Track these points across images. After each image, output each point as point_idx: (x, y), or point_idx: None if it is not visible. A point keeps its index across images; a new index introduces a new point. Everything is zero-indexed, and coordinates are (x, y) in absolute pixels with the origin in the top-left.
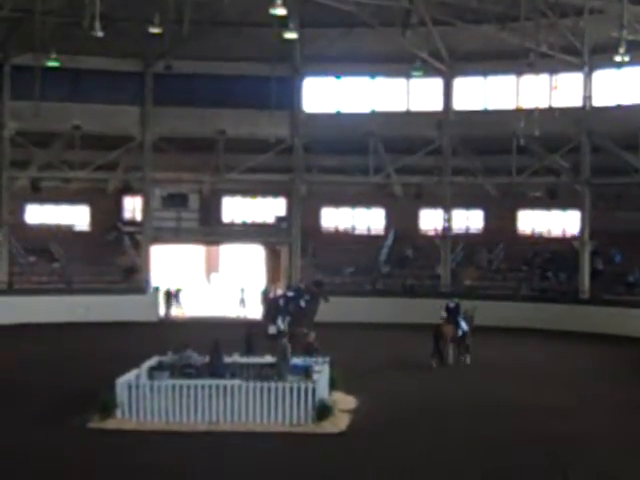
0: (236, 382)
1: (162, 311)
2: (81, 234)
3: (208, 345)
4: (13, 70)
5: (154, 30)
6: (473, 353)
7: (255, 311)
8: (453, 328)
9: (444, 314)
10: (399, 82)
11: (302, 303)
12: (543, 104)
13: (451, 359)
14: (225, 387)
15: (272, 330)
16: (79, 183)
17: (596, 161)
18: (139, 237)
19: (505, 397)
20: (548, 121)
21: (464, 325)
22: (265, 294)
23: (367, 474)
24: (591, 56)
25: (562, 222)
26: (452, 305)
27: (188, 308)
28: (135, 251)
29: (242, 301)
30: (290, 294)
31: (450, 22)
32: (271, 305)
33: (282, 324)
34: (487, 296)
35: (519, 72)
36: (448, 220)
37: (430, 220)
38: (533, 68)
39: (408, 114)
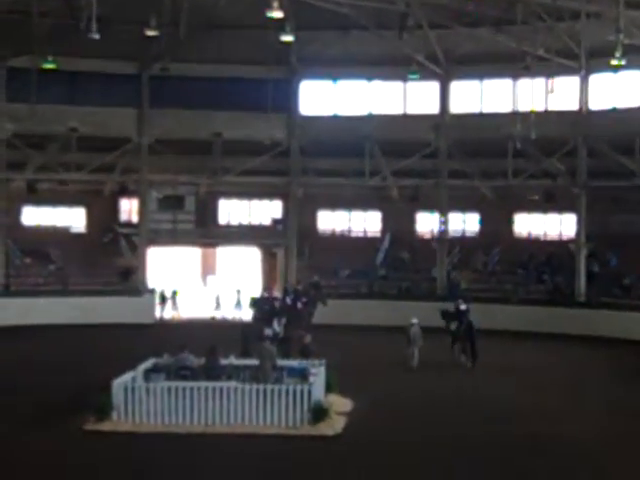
0: (232, 384)
1: (158, 313)
2: (77, 236)
3: (204, 347)
4: (9, 72)
5: (151, 33)
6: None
7: (246, 315)
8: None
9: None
10: (396, 85)
11: (299, 305)
12: (539, 107)
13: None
14: (221, 389)
15: (268, 332)
16: (75, 185)
17: (592, 164)
18: (135, 239)
19: (502, 399)
20: (544, 124)
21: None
22: (255, 301)
23: (363, 476)
24: (588, 60)
25: (558, 225)
26: (463, 307)
27: (184, 310)
28: (131, 253)
29: (238, 303)
30: (288, 298)
31: (447, 25)
32: (267, 307)
33: (278, 326)
34: (483, 299)
35: (515, 75)
36: (444, 223)
37: (426, 223)
38: (529, 71)
39: (405, 117)
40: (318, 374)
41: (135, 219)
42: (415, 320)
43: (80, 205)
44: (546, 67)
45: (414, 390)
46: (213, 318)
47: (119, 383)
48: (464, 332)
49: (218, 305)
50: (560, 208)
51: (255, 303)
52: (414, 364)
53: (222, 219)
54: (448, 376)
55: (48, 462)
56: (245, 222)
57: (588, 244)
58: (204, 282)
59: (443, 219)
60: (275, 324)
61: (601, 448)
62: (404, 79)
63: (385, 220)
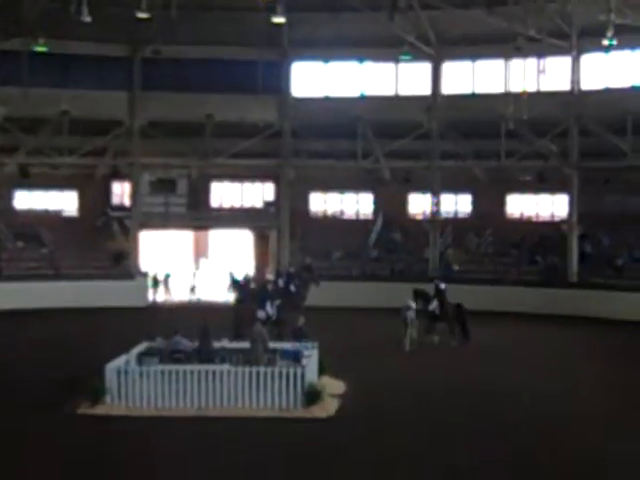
0: (225, 367)
1: (151, 296)
2: (70, 220)
3: (197, 330)
4: (1, 55)
5: (142, 15)
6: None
7: (229, 297)
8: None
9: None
10: (387, 66)
11: (292, 287)
12: (531, 88)
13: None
14: (214, 372)
15: (261, 315)
16: (67, 169)
17: (584, 145)
18: (128, 222)
19: (494, 380)
20: (536, 105)
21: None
22: (237, 282)
23: (356, 458)
24: (579, 40)
25: (551, 206)
26: (443, 286)
27: (177, 293)
28: (124, 236)
29: (231, 286)
30: (281, 281)
31: (438, 6)
32: (259, 290)
33: (271, 309)
34: (476, 280)
35: (507, 56)
36: (437, 204)
37: (419, 204)
38: (521, 52)
39: (397, 98)
40: (311, 356)
41: (127, 202)
42: (412, 302)
43: (72, 189)
44: (538, 47)
45: (407, 372)
46: (190, 302)
47: (112, 367)
48: (454, 313)
49: (193, 289)
50: (552, 189)
51: (235, 285)
52: (410, 346)
53: (214, 202)
54: (441, 357)
55: (41, 446)
56: (237, 205)
57: (580, 225)
58: (197, 265)
59: (435, 200)
60: (268, 306)
61: (593, 427)
62: (396, 60)
63: (377, 202)
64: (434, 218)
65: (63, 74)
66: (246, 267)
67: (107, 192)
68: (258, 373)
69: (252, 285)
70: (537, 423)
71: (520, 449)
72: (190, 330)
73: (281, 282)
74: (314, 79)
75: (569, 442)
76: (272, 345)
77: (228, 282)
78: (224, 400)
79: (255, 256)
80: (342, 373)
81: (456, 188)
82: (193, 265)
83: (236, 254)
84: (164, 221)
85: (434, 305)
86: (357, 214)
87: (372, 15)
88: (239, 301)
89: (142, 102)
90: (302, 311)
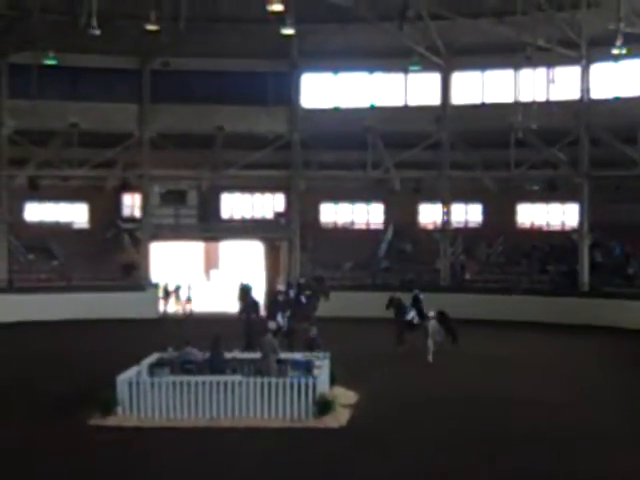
0: (236, 378)
1: (162, 308)
2: (80, 232)
3: (208, 341)
4: (11, 68)
5: (151, 27)
6: (474, 346)
7: (234, 307)
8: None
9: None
10: (397, 77)
11: (302, 299)
12: (541, 97)
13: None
14: (225, 383)
15: (272, 326)
16: (78, 181)
17: (594, 154)
18: (138, 234)
19: (506, 390)
20: (546, 114)
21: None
22: (244, 290)
23: (368, 469)
24: (588, 49)
25: (561, 215)
26: (421, 296)
27: (188, 304)
28: (134, 248)
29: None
30: (292, 292)
31: (447, 16)
32: (270, 301)
33: (282, 320)
34: (487, 289)
35: (517, 66)
36: (447, 214)
37: (429, 214)
38: (531, 62)
39: (406, 109)
40: (322, 367)
41: (138, 214)
42: (432, 313)
43: (82, 201)
44: (547, 57)
45: (419, 381)
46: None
47: (124, 378)
48: (439, 319)
49: (177, 298)
50: (563, 198)
51: (243, 294)
52: (431, 358)
53: (225, 213)
54: (453, 367)
55: (53, 457)
56: (248, 216)
57: (591, 234)
58: (207, 276)
59: (446, 210)
60: (279, 317)
61: (606, 438)
62: (405, 71)
63: (388, 212)
64: (444, 228)
65: (72, 87)
66: (253, 278)
67: (117, 204)
68: (270, 384)
69: (252, 295)
70: (551, 434)
71: (533, 460)
72: (201, 341)
73: (292, 293)
74: (324, 90)
75: (579, 453)
76: (283, 356)
77: (238, 292)
78: (236, 411)
79: (266, 267)
80: (354, 383)
81: (466, 198)
82: (203, 276)
83: (247, 265)
84: (174, 233)
85: (412, 315)
86: (367, 224)
87: (381, 26)
88: (242, 311)
89: (152, 114)
90: (314, 322)
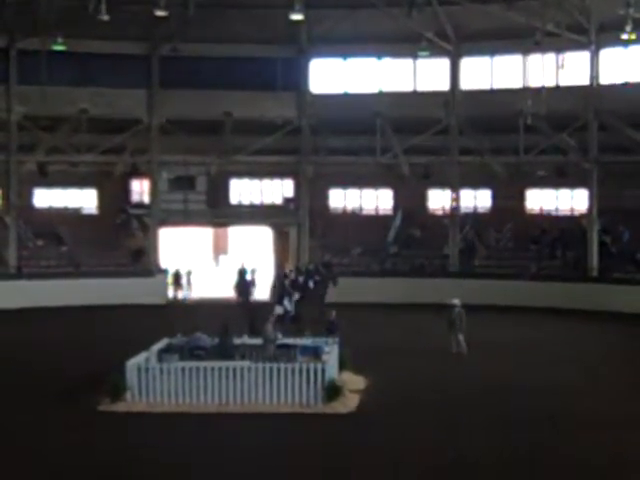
0: (245, 363)
1: (171, 293)
2: (89, 217)
3: (217, 327)
4: (19, 54)
5: (160, 13)
6: (484, 333)
7: (231, 290)
8: None
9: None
10: (406, 62)
11: (310, 284)
12: (550, 83)
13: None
14: (235, 369)
15: (278, 311)
16: (86, 167)
17: (604, 139)
18: (147, 220)
19: (516, 377)
20: (555, 100)
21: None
22: (240, 273)
23: (377, 454)
24: (598, 34)
25: (570, 200)
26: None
27: (197, 290)
28: (143, 234)
29: (252, 283)
30: (300, 278)
31: (456, 1)
32: (277, 285)
33: (289, 305)
34: (496, 275)
35: (526, 51)
36: (456, 200)
37: (438, 200)
38: (540, 47)
39: (415, 94)
40: (331, 352)
41: (146, 200)
42: (457, 301)
43: (91, 186)
44: (556, 42)
45: (427, 367)
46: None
47: (133, 364)
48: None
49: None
50: (572, 183)
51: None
52: (460, 349)
53: (233, 199)
54: (463, 354)
55: (62, 443)
56: (257, 201)
57: (600, 219)
58: (216, 262)
59: (455, 196)
60: (286, 302)
61: (616, 425)
62: (414, 56)
63: (397, 197)
64: (453, 213)
65: (81, 72)
66: (256, 262)
67: (126, 190)
68: (279, 369)
69: (246, 277)
70: (560, 420)
71: (542, 445)
72: (210, 327)
73: (301, 279)
74: (333, 76)
75: (587, 439)
76: (292, 341)
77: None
78: (244, 396)
79: (275, 253)
80: (363, 369)
81: (475, 183)
82: (212, 262)
83: (256, 251)
84: (183, 218)
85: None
86: (376, 210)
87: (390, 11)
88: (240, 294)
89: (160, 100)
90: (324, 306)
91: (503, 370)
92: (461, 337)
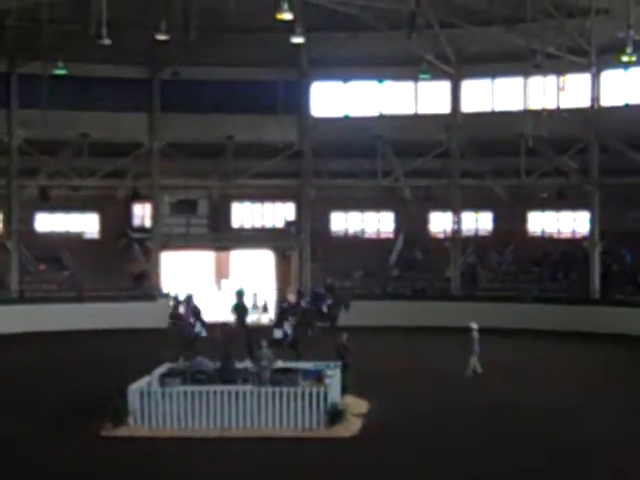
0: (248, 388)
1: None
2: (91, 242)
3: (219, 351)
4: (20, 79)
5: (161, 37)
6: (487, 356)
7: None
8: None
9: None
10: (407, 85)
11: (324, 308)
12: (551, 105)
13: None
14: (237, 393)
15: (277, 334)
16: (88, 191)
17: (605, 161)
18: (149, 244)
19: (519, 400)
20: (556, 122)
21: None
22: (238, 295)
23: (379, 478)
24: (598, 56)
25: (572, 223)
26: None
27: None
28: (145, 258)
29: (254, 306)
30: (303, 302)
31: (457, 24)
32: (278, 309)
33: (289, 329)
34: (498, 297)
35: (526, 73)
36: (457, 223)
37: (439, 223)
38: (540, 69)
39: (416, 117)
40: (334, 376)
41: (148, 224)
42: (474, 325)
43: (93, 211)
44: (557, 64)
45: (430, 390)
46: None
47: (135, 388)
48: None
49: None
50: (573, 206)
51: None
52: (467, 372)
53: (235, 222)
54: (466, 378)
55: (64, 468)
56: (258, 225)
57: (602, 242)
58: (218, 286)
59: (456, 219)
60: (286, 326)
61: (618, 447)
62: (415, 79)
63: (398, 220)
64: (455, 236)
65: (82, 96)
66: (253, 285)
67: (128, 214)
68: (281, 393)
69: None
70: (563, 443)
71: (546, 468)
72: (212, 350)
73: (304, 302)
74: (333, 99)
75: (590, 462)
76: (294, 365)
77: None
78: (247, 420)
79: (277, 276)
80: (365, 392)
81: (477, 206)
82: (214, 286)
83: (257, 274)
84: (185, 242)
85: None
86: (378, 233)
87: (391, 34)
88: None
89: (161, 124)
90: (336, 330)
91: (506, 393)
92: (473, 359)
